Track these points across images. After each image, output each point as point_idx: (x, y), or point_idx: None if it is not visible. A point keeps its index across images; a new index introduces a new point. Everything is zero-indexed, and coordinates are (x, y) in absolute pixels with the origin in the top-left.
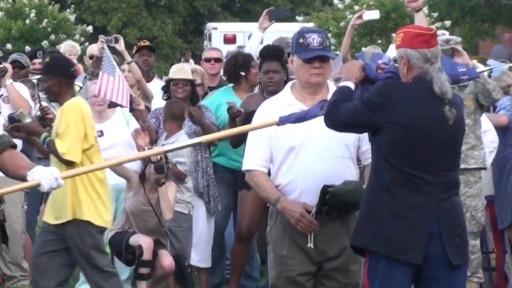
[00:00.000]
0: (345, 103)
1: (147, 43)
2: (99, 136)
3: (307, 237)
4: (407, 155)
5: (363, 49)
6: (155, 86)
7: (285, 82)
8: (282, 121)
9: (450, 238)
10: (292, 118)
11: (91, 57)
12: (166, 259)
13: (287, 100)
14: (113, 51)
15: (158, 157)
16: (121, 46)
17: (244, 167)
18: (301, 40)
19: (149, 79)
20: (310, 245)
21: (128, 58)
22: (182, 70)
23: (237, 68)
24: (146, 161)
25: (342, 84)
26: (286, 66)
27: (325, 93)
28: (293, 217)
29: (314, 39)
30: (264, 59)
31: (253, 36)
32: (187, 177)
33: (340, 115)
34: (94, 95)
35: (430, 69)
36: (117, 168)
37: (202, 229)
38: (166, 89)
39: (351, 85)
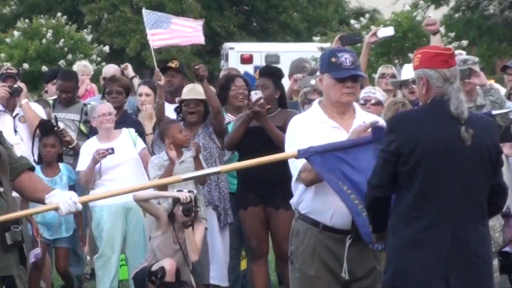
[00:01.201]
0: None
1: (174, 63)
2: (110, 153)
3: (336, 257)
4: (424, 181)
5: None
6: None
7: (280, 101)
8: (301, 154)
9: (462, 273)
10: (310, 152)
11: (105, 78)
12: None
13: (320, 117)
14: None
15: (188, 199)
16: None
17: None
18: (333, 59)
19: (174, 100)
20: (345, 275)
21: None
22: (193, 90)
23: (220, 90)
24: (175, 201)
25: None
26: (281, 85)
27: (352, 113)
28: None
29: (347, 59)
30: (259, 75)
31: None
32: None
33: (371, 182)
34: (103, 113)
35: (449, 89)
36: (146, 206)
37: (217, 243)
38: (179, 110)
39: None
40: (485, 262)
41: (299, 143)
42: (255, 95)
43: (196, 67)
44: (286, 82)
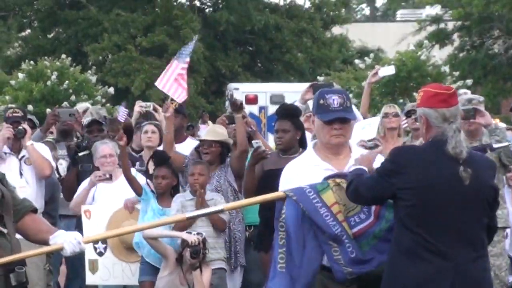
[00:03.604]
0: (363, 179)
1: (173, 104)
2: (107, 178)
3: None
4: (423, 218)
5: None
6: (188, 146)
7: (301, 142)
8: (289, 196)
9: None
10: (296, 192)
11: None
12: None
13: (312, 161)
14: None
15: (196, 241)
16: (160, 116)
17: None
18: (321, 101)
19: (180, 140)
20: None
21: (164, 127)
22: (211, 131)
23: None
24: (183, 244)
25: (356, 167)
26: (301, 124)
27: (347, 153)
28: None
29: (334, 100)
30: (277, 117)
31: None
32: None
33: (360, 192)
34: (104, 155)
35: (448, 128)
36: (155, 244)
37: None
38: (199, 150)
39: (365, 170)
40: None
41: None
42: (256, 144)
43: (233, 99)
44: None
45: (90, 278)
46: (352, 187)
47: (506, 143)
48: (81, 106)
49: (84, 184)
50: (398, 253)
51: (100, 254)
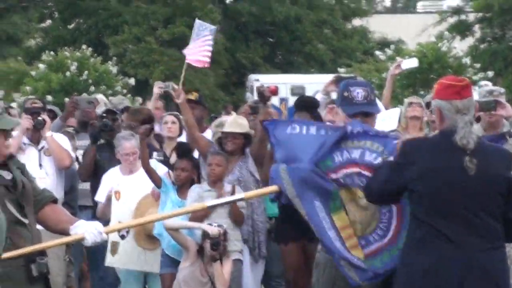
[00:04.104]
0: (376, 175)
1: (193, 95)
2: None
3: None
4: (432, 208)
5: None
6: (209, 137)
7: None
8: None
9: None
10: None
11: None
12: None
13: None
14: (165, 97)
15: (217, 233)
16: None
17: None
18: (345, 94)
19: (200, 131)
20: None
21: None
22: (234, 123)
23: None
24: (204, 236)
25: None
26: (319, 116)
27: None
28: None
29: (359, 93)
30: (296, 109)
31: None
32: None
33: (373, 188)
34: (127, 153)
35: (459, 120)
36: (176, 235)
37: (246, 277)
38: (220, 141)
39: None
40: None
41: None
42: None
43: (262, 88)
44: None
45: (109, 260)
46: (366, 185)
47: None
48: (116, 99)
49: (105, 186)
50: (410, 243)
51: (123, 237)
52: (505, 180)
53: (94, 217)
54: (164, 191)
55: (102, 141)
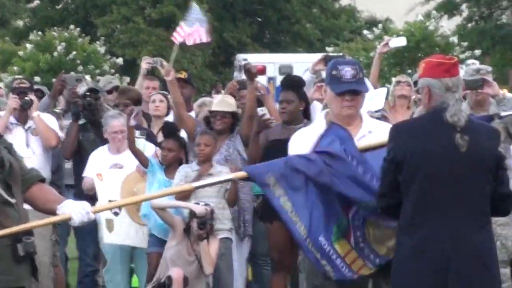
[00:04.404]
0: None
1: (183, 74)
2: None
3: None
4: (424, 188)
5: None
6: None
7: (305, 113)
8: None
9: (463, 280)
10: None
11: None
12: None
13: (322, 130)
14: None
15: (203, 212)
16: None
17: None
18: (334, 72)
19: (188, 110)
20: None
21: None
22: (223, 102)
23: None
24: (191, 215)
25: None
26: (305, 95)
27: (358, 123)
28: None
29: (347, 72)
30: (281, 88)
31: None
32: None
33: (380, 194)
34: (115, 131)
35: (450, 97)
36: (163, 214)
37: (233, 257)
38: (208, 120)
39: None
40: (488, 269)
41: None
42: (261, 111)
43: (248, 66)
44: None
45: (108, 237)
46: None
47: None
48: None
49: (92, 162)
50: (401, 224)
51: (116, 214)
52: (494, 157)
53: (76, 196)
54: (151, 171)
55: (84, 120)
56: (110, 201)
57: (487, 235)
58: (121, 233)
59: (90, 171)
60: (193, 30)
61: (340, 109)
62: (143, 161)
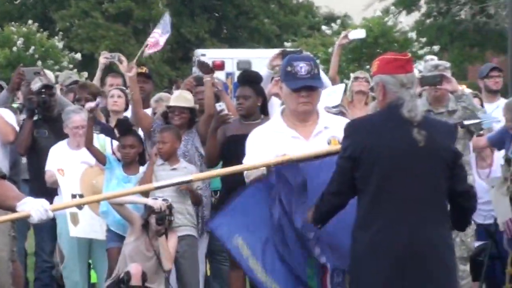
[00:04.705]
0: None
1: (144, 69)
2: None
3: None
4: (378, 185)
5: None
6: (150, 114)
7: (262, 108)
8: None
9: (420, 276)
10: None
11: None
12: None
13: (278, 127)
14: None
15: (162, 208)
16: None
17: None
18: (289, 68)
19: (146, 106)
20: None
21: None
22: (181, 97)
23: None
24: (149, 210)
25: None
26: (262, 91)
27: (314, 119)
28: None
29: (302, 68)
30: (238, 84)
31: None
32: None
33: (329, 195)
34: (76, 126)
35: (405, 93)
36: (121, 210)
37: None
38: (166, 116)
39: None
40: (446, 264)
41: (257, 155)
42: (219, 107)
43: (202, 61)
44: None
45: (73, 231)
46: (319, 201)
47: (478, 120)
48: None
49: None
50: (357, 220)
51: (79, 207)
52: (451, 153)
53: (32, 191)
54: (108, 168)
55: (38, 116)
56: (73, 195)
57: (444, 230)
58: (86, 227)
59: (51, 165)
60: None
61: (296, 105)
62: (101, 159)
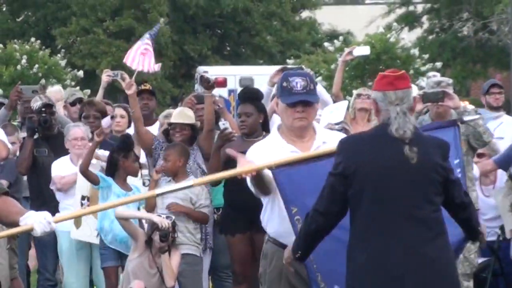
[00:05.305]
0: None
1: (148, 86)
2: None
3: (303, 279)
4: (371, 202)
5: (353, 91)
6: (157, 130)
7: (264, 125)
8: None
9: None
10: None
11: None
12: None
13: (277, 143)
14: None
15: (165, 225)
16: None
17: None
18: (284, 84)
19: (151, 123)
20: None
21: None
22: (182, 114)
23: None
24: (153, 227)
25: None
26: (263, 108)
27: (311, 135)
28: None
29: (298, 83)
30: (240, 101)
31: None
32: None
33: (318, 208)
34: (75, 138)
35: (392, 110)
36: (126, 224)
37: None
38: (166, 133)
39: None
40: (446, 276)
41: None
42: (223, 125)
43: (204, 77)
44: None
45: (74, 233)
46: (309, 219)
47: (477, 116)
48: (54, 90)
49: (55, 173)
50: (352, 238)
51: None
52: (442, 169)
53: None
54: (103, 187)
55: (38, 135)
56: (83, 196)
57: (440, 245)
58: (87, 230)
59: (57, 169)
60: (146, 54)
61: (292, 120)
62: (94, 181)
